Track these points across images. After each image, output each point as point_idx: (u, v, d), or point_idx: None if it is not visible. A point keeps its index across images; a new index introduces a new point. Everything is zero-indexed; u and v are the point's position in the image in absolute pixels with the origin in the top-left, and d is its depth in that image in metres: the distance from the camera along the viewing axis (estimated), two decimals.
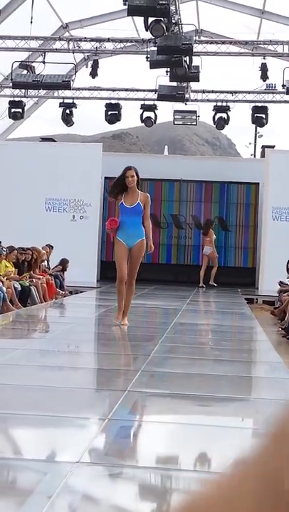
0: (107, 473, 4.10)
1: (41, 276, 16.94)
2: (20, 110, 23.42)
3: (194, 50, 19.89)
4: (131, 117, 25.66)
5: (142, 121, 24.47)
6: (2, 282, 14.77)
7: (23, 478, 4.07)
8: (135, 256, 10.60)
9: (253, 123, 25.89)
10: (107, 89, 24.21)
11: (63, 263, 19.16)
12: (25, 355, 8.20)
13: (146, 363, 7.67)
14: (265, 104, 24.83)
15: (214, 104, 24.53)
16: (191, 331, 11.90)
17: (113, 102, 23.93)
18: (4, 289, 14.53)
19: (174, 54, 19.34)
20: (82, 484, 3.87)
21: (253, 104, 24.72)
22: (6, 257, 16.50)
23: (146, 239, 10.57)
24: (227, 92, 24.73)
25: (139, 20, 19.61)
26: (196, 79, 21.52)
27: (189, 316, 13.82)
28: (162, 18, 17.40)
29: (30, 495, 3.69)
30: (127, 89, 24.33)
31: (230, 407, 6.09)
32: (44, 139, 24.59)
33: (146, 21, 17.94)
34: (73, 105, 23.62)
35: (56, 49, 21.84)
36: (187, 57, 19.76)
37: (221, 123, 24.54)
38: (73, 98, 23.83)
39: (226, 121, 24.47)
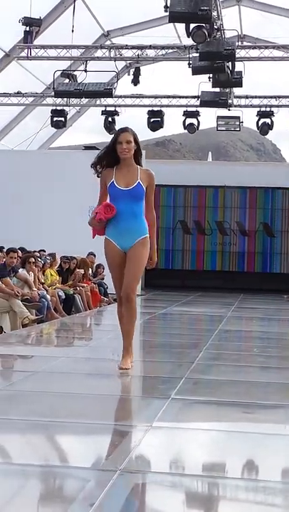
0: (150, 480, 4.05)
1: (85, 285, 16.94)
2: (62, 119, 23.48)
3: (237, 55, 19.76)
4: (174, 124, 25.57)
5: (185, 127, 24.40)
6: (46, 290, 14.80)
7: (66, 486, 4.04)
8: (133, 262, 7.45)
9: None
10: (150, 97, 24.19)
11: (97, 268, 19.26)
12: (69, 363, 8.19)
13: (190, 370, 7.61)
14: None
15: (258, 109, 24.38)
16: (236, 337, 11.79)
17: (155, 109, 23.89)
18: (48, 297, 14.56)
19: (217, 60, 19.24)
20: (125, 492, 3.82)
21: None
22: (51, 266, 16.55)
23: (152, 252, 7.61)
24: (271, 97, 24.55)
25: (181, 26, 19.56)
26: (239, 84, 21.40)
27: (234, 323, 13.71)
28: (204, 24, 17.32)
29: (73, 502, 3.65)
30: (169, 96, 24.28)
31: (277, 414, 5.99)
32: (87, 148, 24.61)
33: (187, 27, 17.87)
34: (115, 113, 23.63)
35: (98, 57, 21.87)
36: (230, 63, 19.65)
37: (265, 128, 24.37)
38: (115, 106, 23.85)
39: (270, 126, 24.29)
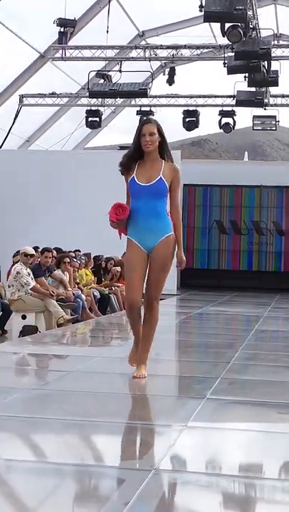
0: (184, 480, 4.02)
1: (120, 284, 16.94)
2: (97, 119, 23.51)
3: (273, 54, 19.65)
4: (210, 124, 25.51)
5: (221, 127, 24.32)
6: (81, 290, 14.81)
7: (100, 485, 4.03)
8: (158, 264, 6.84)
9: None
10: (185, 97, 24.13)
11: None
12: (104, 363, 8.18)
13: (226, 370, 7.57)
14: None
15: None
16: (272, 338, 11.72)
17: (191, 108, 23.84)
18: (84, 297, 14.57)
19: (252, 59, 19.13)
20: (160, 492, 3.80)
21: None
22: (86, 266, 16.57)
23: (179, 251, 6.96)
24: None
25: (216, 26, 19.49)
26: (275, 83, 21.28)
27: (271, 323, 13.62)
28: (239, 24, 17.23)
29: (107, 501, 3.64)
30: (204, 96, 24.21)
31: None
32: (122, 148, 24.60)
33: (223, 27, 17.80)
34: (150, 113, 23.60)
35: (132, 57, 21.87)
36: (265, 62, 19.54)
37: None
38: (150, 106, 23.82)
39: None
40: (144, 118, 7.29)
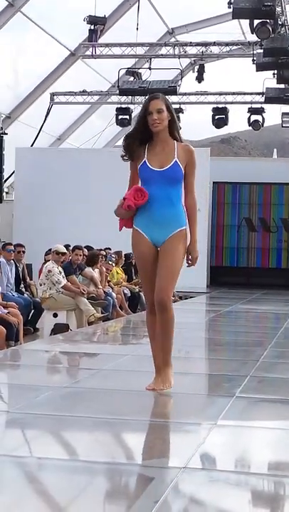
0: (214, 478, 4.06)
1: None
2: (127, 117, 23.55)
3: None
4: (239, 121, 25.47)
5: (250, 124, 24.27)
6: (112, 288, 14.88)
7: (131, 483, 4.08)
8: (167, 262, 6.05)
9: None
10: (214, 94, 24.11)
11: None
12: (134, 361, 8.22)
13: (255, 368, 7.59)
14: None
15: None
16: None
17: (220, 106, 23.81)
18: (114, 295, 14.64)
19: (281, 56, 19.08)
20: (189, 489, 3.84)
21: None
22: (116, 264, 16.63)
23: (192, 245, 6.19)
24: None
25: (245, 22, 19.48)
26: None
27: None
28: (268, 20, 17.22)
29: (138, 499, 3.69)
30: (234, 93, 24.17)
31: None
32: None
33: (252, 23, 17.80)
34: (180, 110, 23.60)
35: (162, 55, 21.90)
36: None
37: None
38: (180, 103, 23.82)
39: None
40: (151, 95, 6.22)
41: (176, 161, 6.05)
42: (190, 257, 6.19)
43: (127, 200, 6.05)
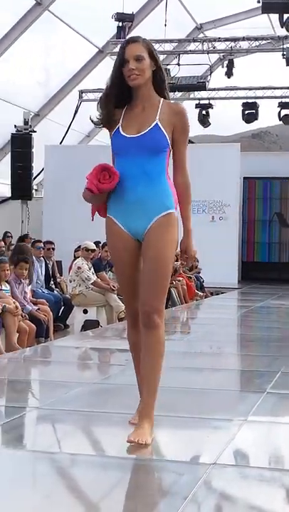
0: (243, 474, 4.03)
1: (181, 278, 16.95)
2: None
3: None
4: (270, 116, 25.34)
5: (280, 119, 24.15)
6: None
7: (160, 479, 4.06)
8: (152, 259, 4.47)
9: None
10: (244, 89, 24.02)
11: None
12: (166, 357, 8.18)
13: (286, 363, 7.53)
14: None
15: None
16: None
17: (250, 101, 23.72)
18: None
19: None
20: (219, 486, 3.82)
21: None
22: None
23: (186, 238, 4.66)
24: None
25: (275, 17, 19.39)
26: None
27: None
28: None
29: (166, 495, 3.67)
30: (263, 88, 24.07)
31: None
32: None
33: (281, 18, 17.73)
34: (209, 106, 23.55)
35: (191, 51, 21.85)
36: None
37: None
38: (209, 99, 23.76)
39: None
40: (129, 37, 4.72)
41: (156, 124, 4.52)
42: (185, 255, 4.72)
43: (88, 183, 4.57)
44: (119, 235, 4.57)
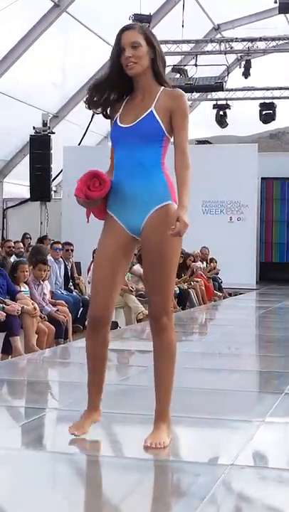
0: (262, 476, 4.05)
1: (199, 279, 16.97)
2: None
3: None
4: (287, 116, 25.30)
5: None
6: None
7: (178, 480, 4.09)
8: (153, 255, 4.34)
9: None
10: (261, 89, 24.02)
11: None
12: (183, 358, 8.19)
13: None
14: None
15: None
16: None
17: (267, 101, 23.70)
18: None
19: None
20: (237, 487, 3.84)
21: None
22: None
23: (178, 209, 4.26)
24: None
25: None
26: None
27: None
28: None
29: (184, 496, 3.70)
30: (281, 88, 24.05)
31: None
32: (200, 142, 24.61)
33: None
34: (227, 106, 23.55)
35: (208, 51, 21.86)
36: None
37: None
38: (227, 99, 23.76)
39: None
40: (125, 25, 4.50)
41: (151, 111, 4.35)
42: (176, 224, 4.19)
43: (77, 190, 4.39)
44: (113, 230, 4.42)
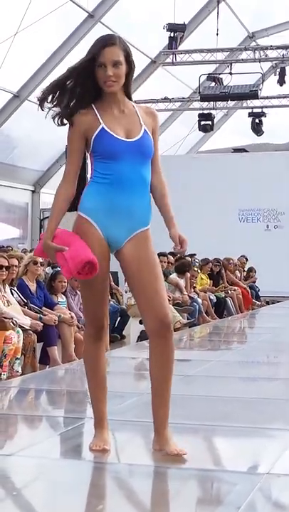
0: None
1: (236, 288, 16.95)
2: (209, 122, 23.52)
3: None
4: None
5: None
6: (198, 294, 14.89)
7: (213, 489, 4.09)
8: (150, 268, 4.42)
9: None
10: None
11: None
12: (220, 367, 8.23)
13: None
14: None
15: None
16: None
17: None
18: (200, 301, 14.65)
19: None
20: (273, 495, 3.84)
21: None
22: (201, 269, 16.64)
23: (176, 229, 4.49)
24: None
25: None
26: None
27: None
28: None
29: (220, 505, 3.70)
30: None
31: None
32: (236, 150, 24.60)
33: None
34: (262, 114, 23.49)
35: (242, 59, 21.84)
36: None
37: None
38: (262, 107, 23.71)
39: None
40: (104, 35, 4.42)
41: (145, 130, 4.39)
42: (178, 247, 4.52)
43: (64, 269, 4.34)
44: (98, 242, 4.35)
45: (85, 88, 4.32)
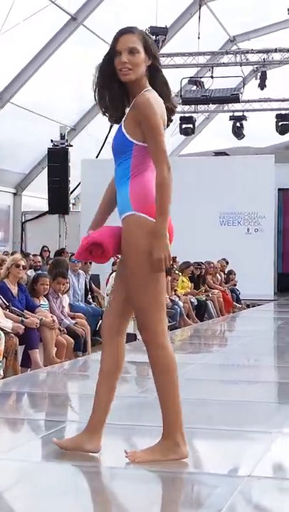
0: (280, 487, 4.07)
1: (217, 291, 16.99)
2: (191, 126, 23.57)
3: None
4: None
5: None
6: (179, 297, 14.92)
7: (194, 491, 4.11)
8: (124, 265, 4.28)
9: None
10: (277, 100, 24.02)
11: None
12: (201, 370, 8.25)
13: None
14: None
15: None
16: None
17: (283, 112, 23.70)
18: (181, 304, 14.68)
19: None
20: (253, 498, 3.86)
21: None
22: (182, 272, 16.67)
23: (152, 239, 4.07)
24: None
25: None
26: None
27: None
28: None
29: (201, 508, 3.72)
30: None
31: None
32: (217, 153, 24.65)
33: None
34: (243, 118, 23.57)
35: (224, 63, 21.91)
36: None
37: None
38: (243, 111, 23.79)
39: None
40: (122, 28, 4.28)
41: (120, 125, 4.20)
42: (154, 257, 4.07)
43: (77, 254, 4.61)
44: None
45: (113, 91, 4.18)
